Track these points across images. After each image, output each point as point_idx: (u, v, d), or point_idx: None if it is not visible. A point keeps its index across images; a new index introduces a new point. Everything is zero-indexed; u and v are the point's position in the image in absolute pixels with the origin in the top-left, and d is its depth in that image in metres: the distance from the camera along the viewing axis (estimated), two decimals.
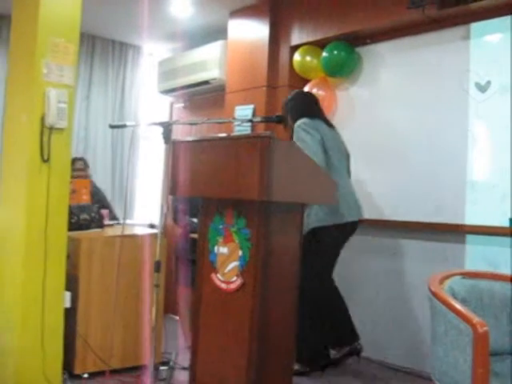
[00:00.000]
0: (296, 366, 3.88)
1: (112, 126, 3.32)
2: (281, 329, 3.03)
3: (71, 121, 3.61)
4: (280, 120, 2.96)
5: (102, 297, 3.82)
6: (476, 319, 2.47)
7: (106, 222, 4.57)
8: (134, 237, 3.97)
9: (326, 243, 4.06)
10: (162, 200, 3.05)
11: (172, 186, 3.21)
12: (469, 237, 3.94)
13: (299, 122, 4.02)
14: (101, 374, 3.73)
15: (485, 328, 2.44)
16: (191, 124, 5.04)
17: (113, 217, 5.24)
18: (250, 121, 3.62)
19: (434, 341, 2.80)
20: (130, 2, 5.15)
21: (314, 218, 3.97)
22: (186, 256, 4.48)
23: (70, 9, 3.59)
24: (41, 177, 3.46)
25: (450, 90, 4.09)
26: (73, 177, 5.08)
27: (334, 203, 3.41)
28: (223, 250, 3.03)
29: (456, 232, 3.98)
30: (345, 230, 4.10)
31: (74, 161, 5.28)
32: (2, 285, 3.73)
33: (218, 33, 5.67)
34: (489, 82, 3.88)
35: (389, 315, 4.41)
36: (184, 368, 3.82)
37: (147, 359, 3.15)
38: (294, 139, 3.97)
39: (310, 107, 4.21)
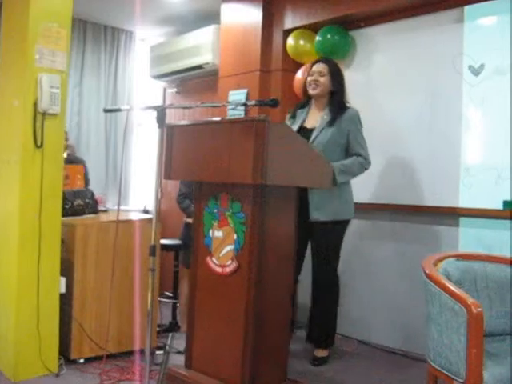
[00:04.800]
0: (325, 353, 4.01)
1: (106, 110, 3.29)
2: (276, 312, 3.04)
3: (64, 106, 3.59)
4: (275, 104, 2.93)
5: (97, 282, 3.82)
6: (470, 300, 2.50)
7: (101, 207, 4.56)
8: (128, 222, 3.97)
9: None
10: (156, 185, 3.03)
11: (166, 170, 3.21)
12: (462, 219, 3.95)
13: (357, 112, 4.00)
14: (97, 359, 3.73)
15: (479, 309, 2.46)
16: (186, 108, 5.01)
17: None
18: (245, 104, 3.59)
19: (428, 322, 2.83)
20: None
21: (351, 206, 3.99)
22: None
23: None
24: (34, 163, 3.45)
25: (443, 73, 4.08)
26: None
27: (327, 188, 3.44)
28: (218, 233, 3.04)
29: (450, 215, 4.00)
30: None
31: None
32: None
33: (210, 17, 5.63)
34: (482, 65, 3.88)
35: (384, 298, 4.43)
36: (179, 352, 3.83)
37: (143, 344, 3.15)
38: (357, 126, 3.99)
39: None
